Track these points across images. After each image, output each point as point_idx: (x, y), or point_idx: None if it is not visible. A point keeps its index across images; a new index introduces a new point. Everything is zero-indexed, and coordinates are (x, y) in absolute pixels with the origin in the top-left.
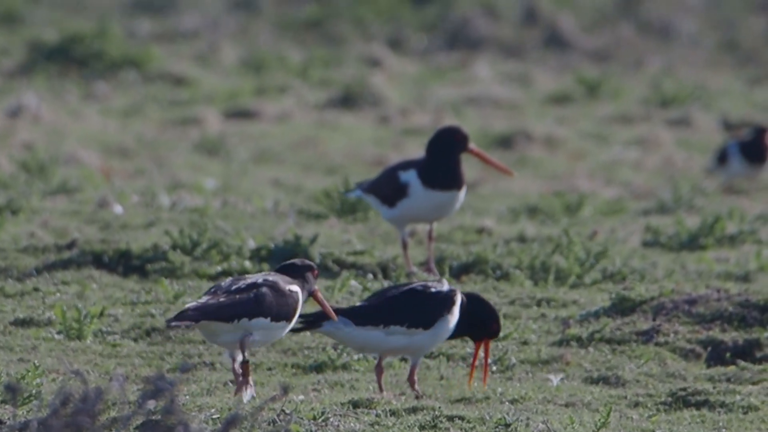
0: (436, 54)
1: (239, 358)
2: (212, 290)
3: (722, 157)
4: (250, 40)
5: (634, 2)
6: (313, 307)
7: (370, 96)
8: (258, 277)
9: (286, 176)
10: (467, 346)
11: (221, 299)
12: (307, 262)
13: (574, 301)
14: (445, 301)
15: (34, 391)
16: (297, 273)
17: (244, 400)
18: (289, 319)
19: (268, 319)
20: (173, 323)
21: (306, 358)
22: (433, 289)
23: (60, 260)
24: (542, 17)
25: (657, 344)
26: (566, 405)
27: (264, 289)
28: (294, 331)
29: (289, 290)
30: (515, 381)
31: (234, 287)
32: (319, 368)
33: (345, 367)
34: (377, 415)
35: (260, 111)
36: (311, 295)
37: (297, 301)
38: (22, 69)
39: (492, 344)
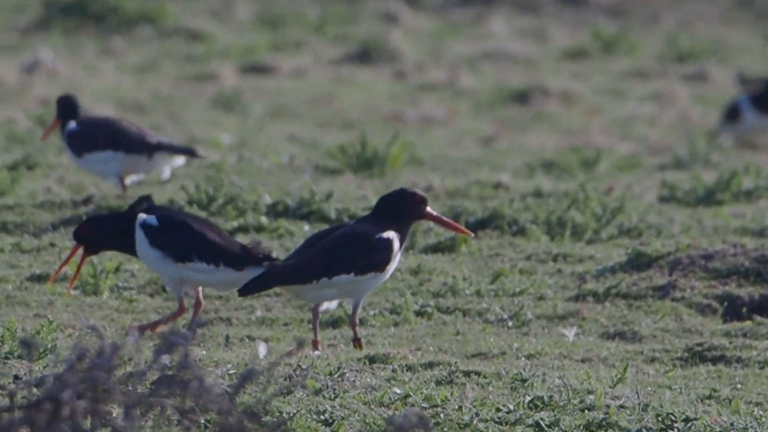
0: (452, 9)
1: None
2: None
3: (733, 112)
4: None
5: None
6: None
7: (386, 51)
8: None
9: (302, 132)
10: (483, 302)
11: None
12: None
13: (590, 257)
14: None
15: (49, 346)
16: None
17: (260, 356)
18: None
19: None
20: None
21: (322, 314)
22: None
23: (76, 216)
24: None
25: (673, 299)
26: (582, 360)
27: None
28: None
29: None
30: (531, 336)
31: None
32: (335, 323)
33: (361, 322)
34: (393, 370)
35: (276, 66)
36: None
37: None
38: (37, 24)
39: (508, 300)
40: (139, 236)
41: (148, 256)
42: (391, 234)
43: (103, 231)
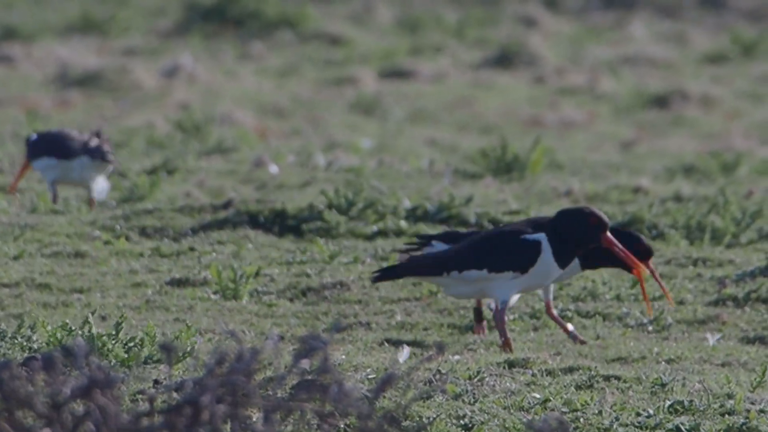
0: (592, 13)
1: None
2: None
3: None
4: (405, 0)
5: None
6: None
7: (525, 55)
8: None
9: (442, 136)
10: (623, 306)
11: None
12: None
13: (729, 261)
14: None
15: (188, 350)
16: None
17: (400, 360)
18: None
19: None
20: None
21: (462, 318)
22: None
23: (215, 220)
24: None
25: None
26: (722, 365)
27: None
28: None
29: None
30: (671, 341)
31: None
32: (473, 328)
33: None
34: (533, 375)
35: (415, 70)
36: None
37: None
38: (178, 29)
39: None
40: None
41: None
42: (540, 236)
43: None
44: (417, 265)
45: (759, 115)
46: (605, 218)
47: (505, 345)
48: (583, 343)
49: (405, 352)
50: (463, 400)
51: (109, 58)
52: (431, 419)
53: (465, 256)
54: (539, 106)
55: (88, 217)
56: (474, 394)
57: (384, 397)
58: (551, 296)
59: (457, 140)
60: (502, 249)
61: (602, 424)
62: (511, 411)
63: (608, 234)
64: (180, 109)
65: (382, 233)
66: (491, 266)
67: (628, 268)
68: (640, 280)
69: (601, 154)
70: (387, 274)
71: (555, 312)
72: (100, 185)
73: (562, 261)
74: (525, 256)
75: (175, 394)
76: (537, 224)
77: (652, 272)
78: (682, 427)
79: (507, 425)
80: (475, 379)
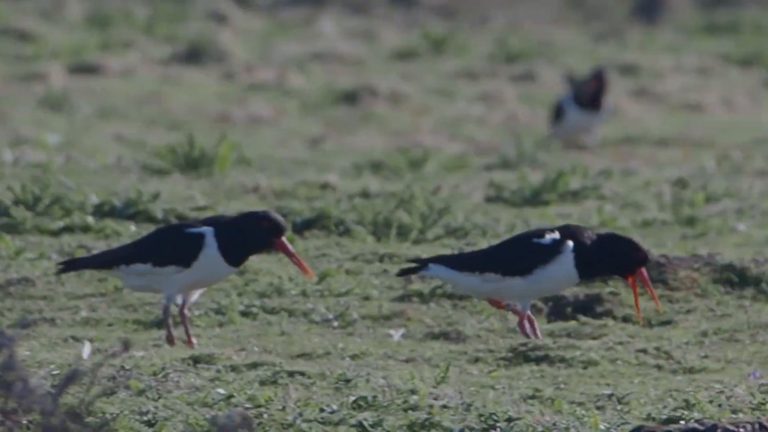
0: (282, 9)
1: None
2: None
3: (558, 111)
4: None
5: None
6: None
7: (215, 51)
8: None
9: (130, 132)
10: (309, 302)
11: None
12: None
13: (416, 257)
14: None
15: None
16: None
17: (84, 356)
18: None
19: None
20: None
21: (147, 314)
22: (534, 240)
23: None
24: None
25: None
26: (407, 360)
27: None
28: (404, 273)
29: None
30: (356, 336)
31: None
32: (159, 324)
33: None
34: (218, 371)
35: (104, 66)
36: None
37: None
38: None
39: (333, 300)
40: None
41: None
42: (206, 230)
43: None
44: (93, 258)
45: (448, 111)
46: (282, 223)
47: (168, 339)
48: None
49: (87, 347)
50: (146, 396)
51: None
52: (114, 415)
53: (132, 250)
54: (228, 102)
55: None
56: (158, 390)
57: (68, 393)
58: None
59: (145, 136)
60: (165, 243)
61: (286, 419)
62: (195, 407)
63: (283, 239)
64: None
65: (69, 229)
66: (155, 260)
67: (624, 276)
68: (633, 287)
69: (289, 151)
70: (70, 266)
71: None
72: None
73: (232, 259)
74: (187, 250)
75: None
76: (214, 221)
77: (644, 279)
78: (365, 423)
79: (190, 421)
80: (160, 375)
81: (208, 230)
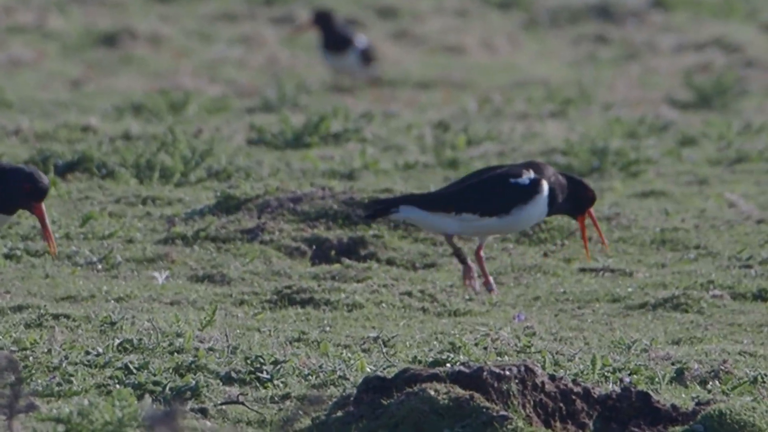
0: None
1: None
2: None
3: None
4: None
5: None
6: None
7: None
8: None
9: None
10: (73, 245)
11: None
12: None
13: (179, 200)
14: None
15: None
16: None
17: None
18: None
19: None
20: None
21: None
22: (512, 180)
23: None
24: None
25: (262, 242)
26: (171, 303)
27: None
28: (371, 216)
29: None
30: (120, 279)
31: None
32: None
33: None
34: None
35: None
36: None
37: None
38: None
39: (97, 243)
40: None
41: None
42: None
43: None
44: None
45: (207, 53)
46: (44, 186)
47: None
48: None
49: None
50: None
51: None
52: None
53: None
54: None
55: None
56: None
57: None
58: None
59: None
60: None
61: (52, 362)
62: None
63: (42, 205)
64: None
65: None
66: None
67: (574, 216)
68: (581, 226)
69: (50, 93)
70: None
71: None
72: None
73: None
74: None
75: None
76: None
77: (592, 218)
78: (131, 366)
79: None
80: None
81: None
